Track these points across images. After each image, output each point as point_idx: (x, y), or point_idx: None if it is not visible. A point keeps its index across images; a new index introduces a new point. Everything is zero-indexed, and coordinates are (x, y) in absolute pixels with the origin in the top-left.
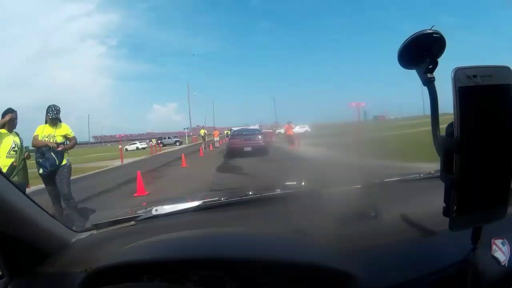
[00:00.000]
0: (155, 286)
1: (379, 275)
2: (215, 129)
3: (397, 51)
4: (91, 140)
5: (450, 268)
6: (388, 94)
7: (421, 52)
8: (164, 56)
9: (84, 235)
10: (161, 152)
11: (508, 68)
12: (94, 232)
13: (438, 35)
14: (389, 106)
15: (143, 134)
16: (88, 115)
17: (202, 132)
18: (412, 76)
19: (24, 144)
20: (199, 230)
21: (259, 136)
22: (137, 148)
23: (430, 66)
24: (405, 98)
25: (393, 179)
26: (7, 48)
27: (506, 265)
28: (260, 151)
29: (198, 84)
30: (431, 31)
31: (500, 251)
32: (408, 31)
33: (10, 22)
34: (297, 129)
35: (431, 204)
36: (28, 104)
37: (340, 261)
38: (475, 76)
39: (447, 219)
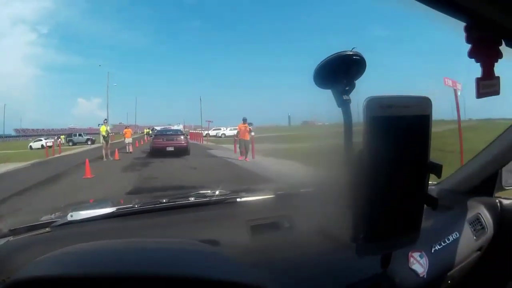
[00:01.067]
0: None
1: None
2: (126, 127)
3: (313, 69)
4: (13, 133)
5: (366, 282)
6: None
7: (338, 72)
8: (93, 49)
9: (1, 241)
10: (61, 154)
11: (427, 99)
12: (11, 238)
13: (358, 57)
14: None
15: (65, 129)
16: (5, 104)
17: (103, 129)
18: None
19: None
20: (111, 241)
21: (182, 137)
22: (42, 146)
23: (347, 88)
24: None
25: (310, 189)
26: None
27: (425, 276)
28: (181, 152)
29: (124, 80)
30: (350, 53)
31: (418, 263)
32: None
33: None
34: (228, 131)
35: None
36: None
37: (253, 274)
38: (390, 107)
39: None
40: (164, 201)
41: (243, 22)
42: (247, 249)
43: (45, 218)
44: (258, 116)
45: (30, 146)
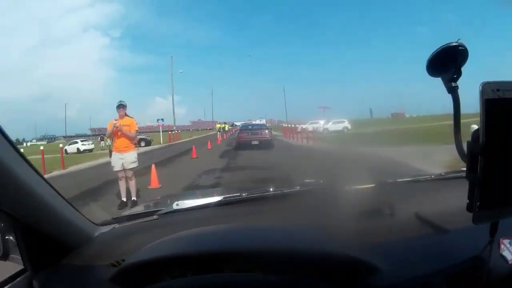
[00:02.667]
0: (201, 279)
1: (399, 268)
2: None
3: (425, 60)
4: (88, 132)
5: (463, 263)
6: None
7: (447, 62)
8: (165, 47)
9: (106, 228)
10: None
11: None
12: (116, 226)
13: (463, 48)
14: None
15: (142, 127)
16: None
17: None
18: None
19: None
20: (225, 225)
21: (266, 131)
22: (78, 150)
23: (455, 76)
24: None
25: (406, 179)
26: (6, 37)
27: None
28: (266, 145)
29: (198, 77)
30: (456, 44)
31: (507, 250)
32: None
33: (9, 10)
34: (330, 125)
35: (443, 203)
36: (27, 96)
37: (363, 253)
38: (498, 90)
39: (459, 218)
40: (271, 190)
41: (321, 14)
42: (353, 233)
43: (147, 208)
44: (340, 109)
45: (66, 150)
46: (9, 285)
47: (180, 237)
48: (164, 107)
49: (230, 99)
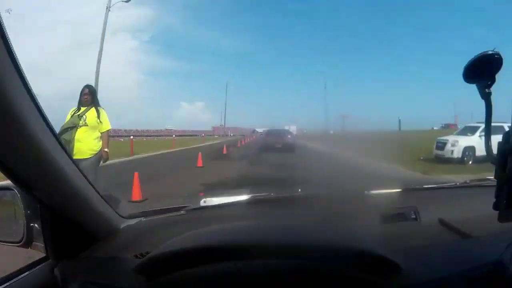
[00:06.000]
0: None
1: (420, 269)
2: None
3: (462, 67)
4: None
5: (484, 267)
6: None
7: (483, 70)
8: (195, 54)
9: (132, 221)
10: None
11: None
12: (143, 219)
13: (498, 56)
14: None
15: (161, 130)
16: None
17: None
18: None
19: None
20: (253, 222)
21: (288, 136)
22: None
23: (489, 82)
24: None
25: (431, 185)
26: (39, 37)
27: None
28: (288, 148)
29: (222, 84)
30: (492, 52)
31: None
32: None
33: (42, 10)
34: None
35: (466, 210)
36: (57, 93)
37: (388, 253)
38: None
39: (481, 224)
40: (299, 190)
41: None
42: (379, 234)
43: (174, 203)
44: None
45: None
46: (30, 271)
47: (205, 232)
48: (190, 112)
49: (257, 106)
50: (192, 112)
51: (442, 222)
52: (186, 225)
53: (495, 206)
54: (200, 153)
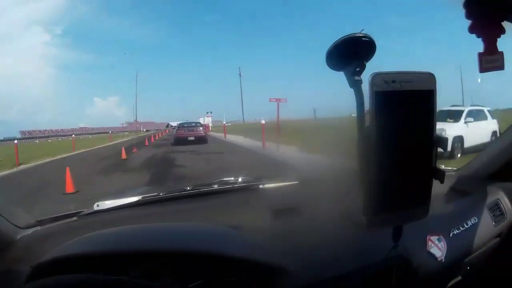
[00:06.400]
0: (95, 278)
1: (311, 270)
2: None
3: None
4: (18, 135)
5: (382, 264)
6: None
7: (349, 54)
8: (107, 46)
9: (29, 231)
10: None
11: (431, 74)
12: (39, 228)
13: (367, 39)
14: None
15: (75, 129)
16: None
17: None
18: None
19: None
20: (139, 225)
21: (200, 128)
22: None
23: (358, 69)
24: None
25: (326, 177)
26: None
27: (443, 260)
28: (200, 140)
29: (139, 77)
30: (360, 35)
31: (436, 247)
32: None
33: None
34: None
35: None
36: None
37: (273, 256)
38: (394, 82)
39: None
40: (188, 188)
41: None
42: (268, 233)
43: (71, 209)
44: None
45: None
46: None
47: (92, 237)
48: (103, 108)
49: (169, 100)
50: (106, 108)
51: (335, 216)
52: (80, 232)
53: (364, 211)
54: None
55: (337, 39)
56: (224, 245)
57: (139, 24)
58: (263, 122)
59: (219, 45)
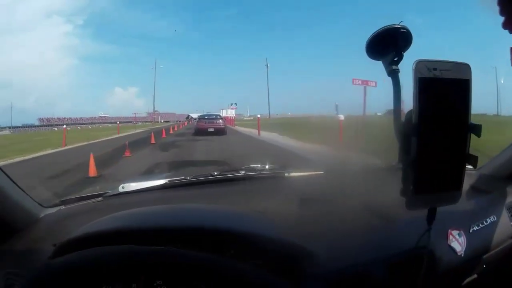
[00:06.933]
0: (125, 248)
1: (339, 255)
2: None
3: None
4: (36, 122)
5: (407, 253)
6: None
7: (387, 44)
8: (128, 38)
9: (52, 210)
10: None
11: (467, 65)
12: (62, 207)
13: (404, 30)
14: None
15: (95, 117)
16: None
17: None
18: None
19: None
20: (166, 205)
21: (220, 120)
22: None
23: (395, 59)
24: None
25: (355, 167)
26: None
27: (462, 255)
28: (220, 132)
29: (159, 68)
30: (398, 26)
31: (456, 241)
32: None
33: None
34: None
35: (390, 193)
36: None
37: (302, 239)
38: (435, 69)
39: (403, 209)
40: (216, 173)
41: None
42: (296, 220)
43: (95, 191)
44: (299, 105)
45: None
46: None
47: (117, 216)
48: (123, 98)
49: (190, 92)
50: (126, 98)
51: (364, 205)
52: (104, 212)
53: (402, 192)
54: None
55: (375, 30)
56: (255, 225)
57: (159, 17)
58: (341, 117)
59: (238, 36)
